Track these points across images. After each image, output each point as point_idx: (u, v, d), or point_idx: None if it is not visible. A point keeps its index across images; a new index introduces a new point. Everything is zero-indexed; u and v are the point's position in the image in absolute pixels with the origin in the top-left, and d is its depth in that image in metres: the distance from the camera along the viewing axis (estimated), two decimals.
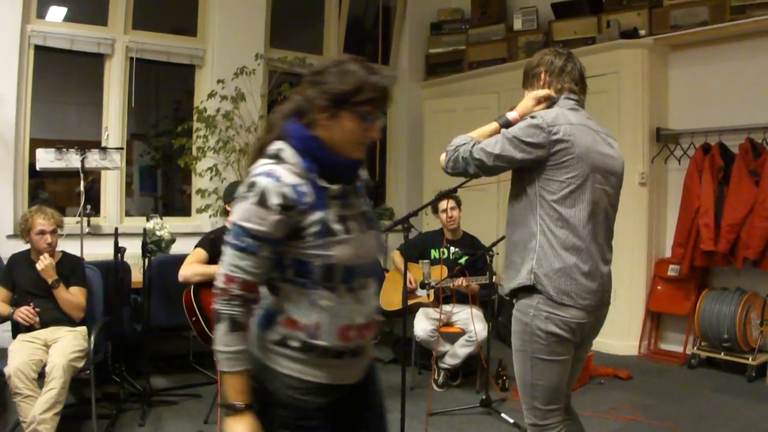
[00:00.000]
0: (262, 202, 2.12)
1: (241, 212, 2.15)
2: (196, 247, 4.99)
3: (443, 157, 3.12)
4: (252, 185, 2.15)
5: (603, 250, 3.02)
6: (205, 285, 4.79)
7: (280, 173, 2.16)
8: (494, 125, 3.12)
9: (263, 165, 2.20)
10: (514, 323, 3.05)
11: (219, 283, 2.18)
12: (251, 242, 2.14)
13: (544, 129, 2.87)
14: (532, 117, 2.95)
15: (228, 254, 2.17)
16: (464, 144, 3.04)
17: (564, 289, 2.88)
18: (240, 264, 2.14)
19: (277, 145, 2.24)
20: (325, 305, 2.20)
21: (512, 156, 2.91)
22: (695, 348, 6.84)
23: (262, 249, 2.15)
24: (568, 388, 3.18)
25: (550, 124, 2.88)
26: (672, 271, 7.07)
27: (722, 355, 6.52)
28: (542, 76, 3.15)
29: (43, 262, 4.65)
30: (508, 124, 3.07)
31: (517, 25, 8.87)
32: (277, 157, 2.22)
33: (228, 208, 5.20)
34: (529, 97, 3.15)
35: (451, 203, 6.14)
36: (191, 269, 4.80)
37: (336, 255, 2.18)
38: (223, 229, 5.17)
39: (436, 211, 6.23)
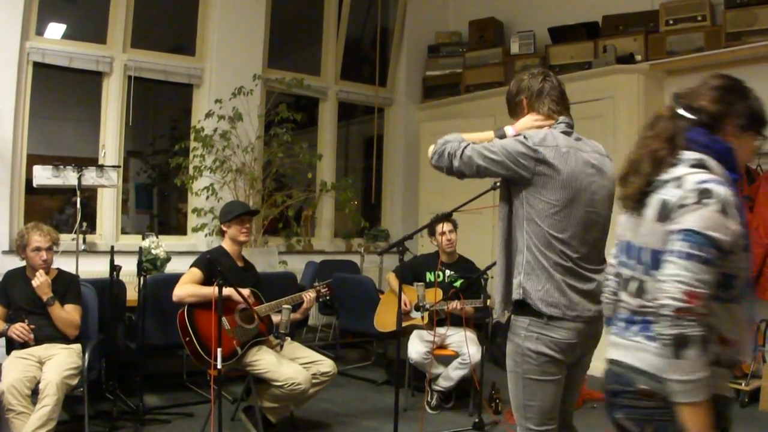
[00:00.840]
0: (725, 210, 2.04)
1: (704, 220, 2.03)
2: (192, 266, 4.98)
3: (431, 149, 3.13)
4: (706, 192, 2.05)
5: (594, 264, 3.02)
6: (200, 305, 4.80)
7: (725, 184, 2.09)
8: (490, 134, 3.15)
9: (701, 173, 2.12)
10: (507, 345, 3.08)
11: (675, 301, 2.00)
12: (715, 254, 2.01)
13: (530, 148, 2.89)
14: (521, 135, 2.98)
15: (686, 267, 2.01)
16: (453, 141, 3.06)
17: (552, 302, 2.89)
18: (704, 278, 1.99)
19: (694, 155, 2.19)
20: (740, 319, 2.13)
21: (500, 163, 2.94)
22: None
23: (721, 262, 2.02)
24: (569, 406, 3.21)
25: (536, 144, 2.90)
26: None
27: None
28: (524, 103, 3.18)
29: (39, 279, 4.66)
30: (503, 137, 3.09)
31: (514, 49, 8.94)
32: (704, 167, 2.15)
33: (224, 228, 5.22)
34: (531, 117, 3.16)
35: (449, 226, 6.15)
36: (185, 289, 4.80)
37: (746, 268, 2.12)
38: (219, 250, 5.18)
39: (432, 233, 6.23)
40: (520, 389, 3.01)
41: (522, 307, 2.98)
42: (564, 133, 3.03)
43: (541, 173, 2.90)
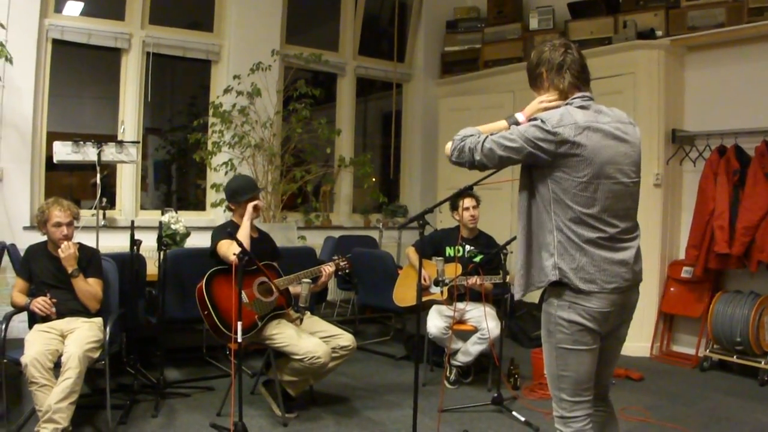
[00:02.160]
0: None
1: None
2: (220, 240, 4.95)
3: (449, 145, 3.12)
4: None
5: (626, 233, 3.01)
6: (218, 278, 4.83)
7: None
8: (503, 123, 3.13)
9: None
10: (542, 316, 3.08)
11: None
12: None
13: (549, 132, 2.86)
14: (536, 119, 2.94)
15: None
16: (472, 135, 3.04)
17: (589, 278, 2.89)
18: None
19: None
20: None
21: (520, 150, 2.92)
22: (707, 351, 6.81)
23: None
24: (605, 378, 3.21)
25: (554, 126, 2.86)
26: (685, 273, 7.05)
27: (734, 359, 6.51)
28: (544, 75, 3.14)
29: (66, 251, 4.68)
30: (516, 124, 3.07)
31: (533, 24, 8.88)
32: None
33: (232, 207, 5.21)
34: (537, 100, 3.15)
35: (472, 202, 6.14)
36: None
37: None
38: (232, 224, 5.16)
39: (455, 208, 6.22)
40: (553, 359, 3.01)
41: (557, 285, 2.96)
42: (581, 107, 2.99)
43: (563, 153, 2.87)
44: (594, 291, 2.89)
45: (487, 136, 2.99)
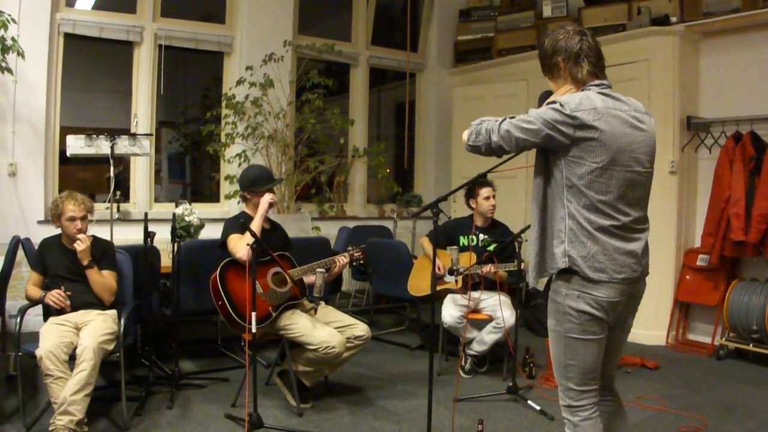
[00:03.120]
0: None
1: None
2: (231, 234, 4.96)
3: (466, 132, 3.08)
4: None
5: (638, 223, 2.99)
6: (233, 269, 4.83)
7: None
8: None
9: None
10: (549, 304, 3.06)
11: None
12: None
13: (568, 116, 2.82)
14: (555, 102, 2.89)
15: None
16: (490, 120, 3.00)
17: (599, 267, 2.86)
18: None
19: None
20: None
21: (538, 132, 2.87)
22: (723, 339, 6.77)
23: None
24: (611, 368, 3.19)
25: (573, 110, 2.82)
26: (701, 261, 7.01)
27: (751, 347, 6.46)
28: (561, 65, 3.06)
29: (83, 244, 4.69)
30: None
31: (547, 11, 8.83)
32: None
33: (247, 196, 5.20)
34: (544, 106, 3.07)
35: (492, 191, 6.12)
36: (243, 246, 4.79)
37: None
38: (244, 215, 5.15)
39: (471, 196, 6.20)
40: (561, 348, 2.99)
41: (566, 272, 2.94)
42: (599, 93, 2.94)
43: (581, 138, 2.83)
44: (603, 280, 2.87)
45: (504, 118, 2.95)
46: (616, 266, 2.88)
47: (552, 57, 3.08)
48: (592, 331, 2.92)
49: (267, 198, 5.04)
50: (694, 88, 7.34)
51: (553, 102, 2.90)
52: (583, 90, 2.99)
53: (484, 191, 6.10)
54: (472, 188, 6.08)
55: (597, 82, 3.01)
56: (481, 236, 6.17)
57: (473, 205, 6.20)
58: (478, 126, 3.02)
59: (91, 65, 8.34)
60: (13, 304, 5.82)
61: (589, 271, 2.86)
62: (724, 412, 5.16)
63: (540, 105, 3.15)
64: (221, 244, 5.02)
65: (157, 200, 8.14)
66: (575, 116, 2.82)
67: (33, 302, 4.77)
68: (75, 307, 4.67)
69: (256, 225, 4.87)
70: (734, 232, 6.50)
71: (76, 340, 4.37)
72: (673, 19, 7.31)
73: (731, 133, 6.80)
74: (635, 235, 2.96)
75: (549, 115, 2.86)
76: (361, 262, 5.34)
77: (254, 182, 5.14)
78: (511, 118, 2.95)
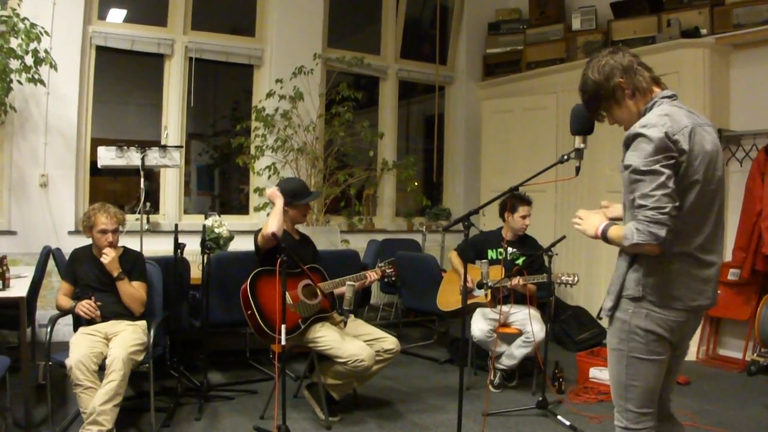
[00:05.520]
0: None
1: None
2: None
3: (626, 242, 2.72)
4: None
5: (714, 248, 2.86)
6: (263, 279, 4.83)
7: None
8: (601, 228, 2.89)
9: None
10: (612, 322, 2.94)
11: None
12: None
13: (670, 139, 2.66)
14: (641, 135, 2.70)
15: None
16: (632, 226, 2.70)
17: (675, 295, 2.78)
18: None
19: None
20: None
21: (667, 176, 2.65)
22: (755, 354, 6.68)
23: None
24: (668, 392, 3.12)
25: (671, 134, 2.67)
26: (732, 275, 6.90)
27: None
28: (623, 83, 2.90)
29: (109, 256, 4.71)
30: (606, 229, 2.86)
31: (576, 24, 8.78)
32: None
33: (286, 208, 5.20)
34: (595, 219, 2.95)
35: (529, 210, 6.10)
36: (273, 225, 4.84)
37: None
38: None
39: (505, 210, 6.12)
40: (623, 368, 2.90)
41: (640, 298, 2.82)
42: (677, 107, 2.80)
43: (679, 163, 2.70)
44: (677, 308, 2.79)
45: (641, 205, 2.66)
46: (692, 293, 2.81)
47: (609, 81, 2.92)
48: (657, 352, 2.84)
49: (298, 213, 5.18)
50: (725, 101, 7.26)
51: (639, 134, 2.72)
52: (655, 104, 2.86)
53: (523, 209, 6.06)
54: (510, 202, 6.02)
55: (664, 92, 2.89)
56: (510, 250, 6.13)
57: (507, 218, 6.15)
58: (637, 234, 2.66)
59: (122, 77, 8.42)
60: (43, 313, 5.86)
61: (664, 299, 2.78)
62: (756, 428, 5.09)
63: (572, 119, 3.08)
64: (256, 252, 5.05)
65: (186, 212, 8.17)
66: (675, 140, 2.69)
67: (63, 312, 4.80)
68: (105, 318, 4.70)
69: (275, 222, 4.90)
70: (766, 246, 6.42)
71: (105, 351, 4.39)
72: (704, 31, 7.25)
73: (762, 146, 6.72)
74: (712, 258, 2.85)
75: (648, 151, 2.67)
76: (393, 278, 5.31)
77: (297, 194, 5.15)
78: (640, 205, 2.67)
